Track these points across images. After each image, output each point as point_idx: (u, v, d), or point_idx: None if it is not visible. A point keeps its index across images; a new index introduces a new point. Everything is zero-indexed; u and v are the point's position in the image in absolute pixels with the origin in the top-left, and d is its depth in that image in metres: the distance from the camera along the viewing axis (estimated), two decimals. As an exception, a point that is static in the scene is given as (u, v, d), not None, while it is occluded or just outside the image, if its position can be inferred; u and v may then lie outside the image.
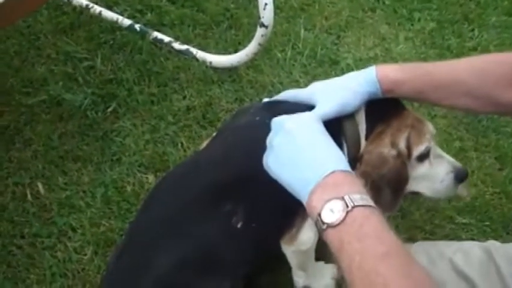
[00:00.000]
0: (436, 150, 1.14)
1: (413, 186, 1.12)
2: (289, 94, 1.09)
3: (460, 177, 1.13)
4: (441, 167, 1.13)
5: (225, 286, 1.02)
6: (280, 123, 0.83)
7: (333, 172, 0.72)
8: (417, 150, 1.09)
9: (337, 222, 0.66)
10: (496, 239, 1.16)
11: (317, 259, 1.20)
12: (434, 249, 0.97)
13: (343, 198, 0.68)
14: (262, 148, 0.86)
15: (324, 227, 0.68)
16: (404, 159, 1.07)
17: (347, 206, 0.67)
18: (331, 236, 0.67)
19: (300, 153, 0.77)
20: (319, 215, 0.68)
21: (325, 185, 0.71)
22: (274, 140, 0.82)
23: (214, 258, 1.00)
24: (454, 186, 1.14)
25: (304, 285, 1.19)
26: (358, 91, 1.00)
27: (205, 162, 1.08)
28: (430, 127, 1.12)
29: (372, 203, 0.69)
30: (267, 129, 0.87)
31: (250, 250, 1.04)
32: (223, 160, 1.05)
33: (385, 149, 1.05)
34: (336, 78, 1.05)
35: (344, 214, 0.66)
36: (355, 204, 0.67)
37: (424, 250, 0.93)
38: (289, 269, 1.18)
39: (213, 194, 1.01)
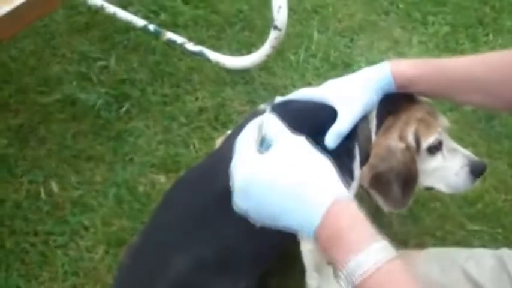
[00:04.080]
0: (451, 143, 1.12)
1: (427, 180, 1.11)
2: (302, 93, 1.08)
3: (476, 170, 1.10)
4: (455, 160, 1.10)
5: (241, 286, 1.02)
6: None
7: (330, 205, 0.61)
8: (426, 142, 1.06)
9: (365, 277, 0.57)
10: (508, 246, 1.15)
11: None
12: (445, 256, 0.96)
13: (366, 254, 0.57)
14: None
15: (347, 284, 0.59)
16: (413, 153, 1.05)
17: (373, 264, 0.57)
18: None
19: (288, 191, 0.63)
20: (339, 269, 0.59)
21: (328, 228, 0.60)
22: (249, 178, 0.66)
23: (232, 259, 1.00)
24: (470, 180, 1.11)
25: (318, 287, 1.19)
26: (374, 89, 0.99)
27: (221, 163, 1.08)
28: (442, 120, 1.10)
29: (392, 251, 0.59)
30: None
31: (268, 250, 1.04)
32: None
33: (393, 142, 1.04)
34: (350, 77, 1.03)
35: (372, 270, 0.57)
36: (380, 261, 0.57)
37: (435, 257, 0.92)
38: (299, 272, 1.18)
39: (231, 195, 1.01)
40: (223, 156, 1.11)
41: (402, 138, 1.05)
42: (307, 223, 0.61)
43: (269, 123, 0.69)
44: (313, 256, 1.12)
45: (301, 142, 0.66)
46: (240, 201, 0.66)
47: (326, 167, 0.64)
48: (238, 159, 0.67)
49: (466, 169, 1.10)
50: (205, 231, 1.01)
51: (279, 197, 0.62)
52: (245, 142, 0.68)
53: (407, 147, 1.04)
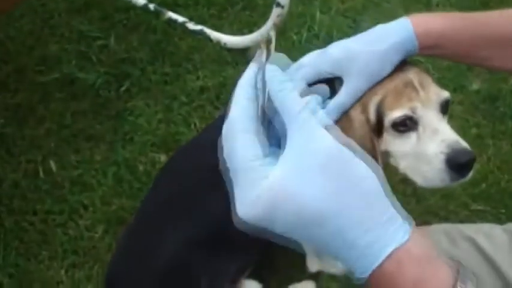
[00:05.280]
0: (435, 123, 0.85)
1: (399, 167, 0.88)
2: (308, 61, 0.82)
3: (455, 160, 0.81)
4: (431, 145, 0.84)
5: (231, 269, 1.00)
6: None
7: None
8: (389, 118, 0.84)
9: None
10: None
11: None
12: (453, 229, 0.92)
13: None
14: None
15: None
16: (370, 127, 0.86)
17: None
18: None
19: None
20: None
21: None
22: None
23: (226, 235, 0.98)
24: (446, 173, 0.83)
25: (318, 270, 1.17)
26: (392, 54, 0.79)
27: (212, 140, 1.06)
28: (429, 94, 0.86)
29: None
30: None
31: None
32: None
33: (353, 112, 0.85)
34: (365, 37, 0.81)
35: None
36: None
37: (443, 230, 0.90)
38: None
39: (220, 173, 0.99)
40: (213, 134, 1.09)
41: (364, 109, 0.85)
42: (358, 268, 0.44)
43: (273, 81, 0.46)
44: None
45: (336, 138, 0.44)
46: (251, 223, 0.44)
47: (375, 185, 0.43)
48: (237, 170, 0.45)
49: (441, 157, 0.82)
50: (195, 213, 0.99)
51: (314, 232, 0.43)
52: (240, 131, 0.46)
53: (367, 120, 0.85)
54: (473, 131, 1.65)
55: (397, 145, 0.86)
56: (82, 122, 1.55)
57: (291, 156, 0.43)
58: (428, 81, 0.88)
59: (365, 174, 0.43)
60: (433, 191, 1.45)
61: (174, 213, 1.01)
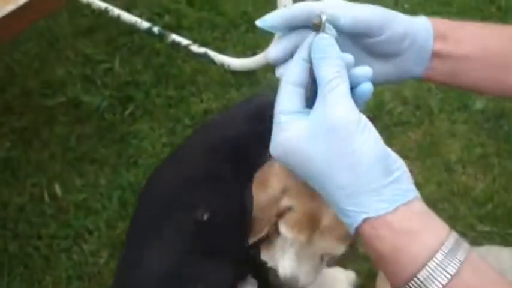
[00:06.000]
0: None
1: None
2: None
3: None
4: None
5: (227, 276, 0.98)
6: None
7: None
8: (284, 233, 0.96)
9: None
10: (519, 247, 1.14)
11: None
12: None
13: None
14: None
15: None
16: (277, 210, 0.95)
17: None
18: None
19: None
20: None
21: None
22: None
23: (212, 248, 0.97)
24: None
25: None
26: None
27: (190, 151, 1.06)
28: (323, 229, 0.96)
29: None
30: None
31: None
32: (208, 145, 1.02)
33: (275, 178, 0.96)
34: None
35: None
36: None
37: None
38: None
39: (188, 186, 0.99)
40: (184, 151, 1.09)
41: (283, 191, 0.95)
42: (346, 223, 0.51)
43: (318, 47, 0.53)
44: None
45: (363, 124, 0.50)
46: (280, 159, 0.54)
47: (369, 157, 0.49)
48: (279, 102, 0.54)
49: None
50: (176, 219, 0.98)
51: (315, 184, 0.51)
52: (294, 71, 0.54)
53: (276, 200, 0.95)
54: (478, 150, 1.64)
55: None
56: (86, 146, 1.55)
57: (310, 117, 0.51)
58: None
59: (361, 147, 0.49)
60: (438, 213, 1.44)
61: (154, 228, 1.00)
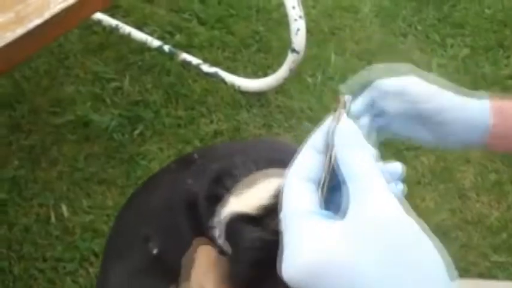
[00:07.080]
0: None
1: None
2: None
3: None
4: None
5: None
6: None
7: None
8: None
9: None
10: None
11: None
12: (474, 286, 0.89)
13: None
14: None
15: None
16: None
17: None
18: None
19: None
20: None
21: None
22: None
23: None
24: None
25: None
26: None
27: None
28: None
29: None
30: None
31: None
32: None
33: None
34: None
35: None
36: None
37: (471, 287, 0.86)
38: None
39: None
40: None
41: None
42: None
43: (341, 136, 0.41)
44: None
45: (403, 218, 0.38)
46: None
47: (436, 268, 0.38)
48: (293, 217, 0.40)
49: None
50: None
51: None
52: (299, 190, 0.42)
53: None
54: (492, 177, 1.61)
55: None
56: (95, 166, 1.54)
57: (348, 221, 0.38)
58: None
59: (425, 257, 0.37)
60: (451, 241, 1.41)
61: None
